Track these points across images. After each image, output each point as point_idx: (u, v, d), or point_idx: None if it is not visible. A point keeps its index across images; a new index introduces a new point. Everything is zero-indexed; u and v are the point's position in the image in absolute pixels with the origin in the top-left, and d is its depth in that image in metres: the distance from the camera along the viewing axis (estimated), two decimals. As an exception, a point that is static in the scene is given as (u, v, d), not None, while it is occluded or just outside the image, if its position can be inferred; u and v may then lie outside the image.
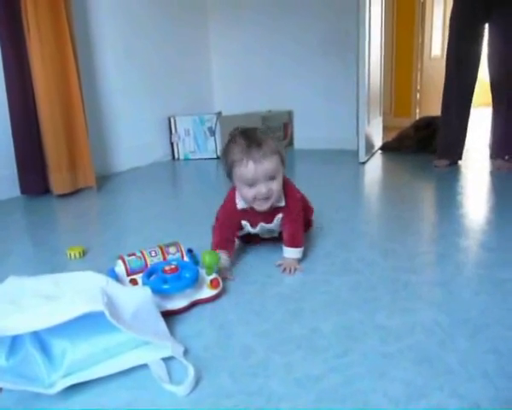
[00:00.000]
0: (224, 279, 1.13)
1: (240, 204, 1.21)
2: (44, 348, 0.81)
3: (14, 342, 0.79)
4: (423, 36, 4.66)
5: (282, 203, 1.21)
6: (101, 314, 0.78)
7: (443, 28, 4.87)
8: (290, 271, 1.19)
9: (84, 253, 1.40)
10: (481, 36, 2.35)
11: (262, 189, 1.12)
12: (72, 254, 1.37)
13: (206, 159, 3.17)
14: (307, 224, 1.42)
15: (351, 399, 0.72)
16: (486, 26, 2.33)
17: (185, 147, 3.20)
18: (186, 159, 3.20)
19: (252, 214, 1.22)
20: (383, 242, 1.44)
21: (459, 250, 1.33)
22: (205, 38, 3.52)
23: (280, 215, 1.23)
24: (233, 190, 1.24)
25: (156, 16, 3.06)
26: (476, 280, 1.14)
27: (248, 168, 1.09)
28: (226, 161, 1.15)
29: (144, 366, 0.82)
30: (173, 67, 3.22)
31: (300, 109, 3.35)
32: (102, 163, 2.68)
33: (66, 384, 0.76)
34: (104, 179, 2.58)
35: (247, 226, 1.26)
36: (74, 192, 2.30)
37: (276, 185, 1.14)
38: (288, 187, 1.23)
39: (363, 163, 2.72)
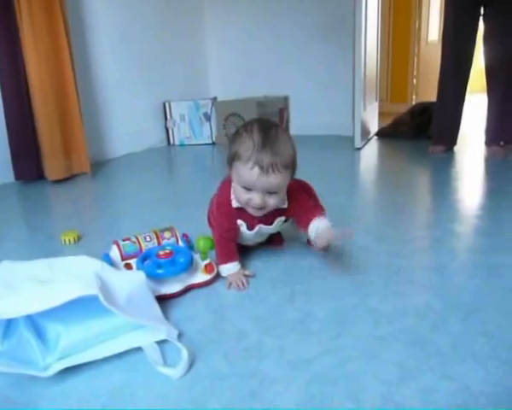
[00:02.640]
0: (248, 277, 1.08)
1: (234, 202, 1.06)
2: (39, 332, 0.81)
3: (9, 326, 0.80)
4: (420, 21, 4.63)
5: (284, 205, 1.07)
6: (95, 298, 0.79)
7: (440, 13, 4.82)
8: (330, 238, 1.03)
9: (78, 238, 1.40)
10: (477, 20, 2.33)
11: (256, 199, 0.98)
12: (67, 240, 1.37)
13: (201, 144, 3.16)
14: None
15: (343, 381, 0.72)
16: (482, 10, 2.31)
17: (180, 133, 3.18)
18: (181, 145, 3.19)
19: (249, 214, 1.06)
20: (378, 227, 1.45)
21: (453, 235, 1.33)
22: (200, 23, 3.48)
23: (282, 218, 1.10)
24: (227, 183, 1.08)
25: (151, 1, 3.01)
26: (470, 265, 1.14)
27: (251, 174, 0.94)
28: (232, 149, 0.99)
29: (138, 350, 0.82)
30: (169, 52, 3.19)
31: (297, 95, 3.34)
32: (97, 149, 2.67)
33: (61, 367, 0.77)
34: (99, 165, 2.57)
35: (243, 227, 1.09)
36: (69, 178, 2.29)
37: (274, 200, 1.00)
38: (295, 187, 1.09)
39: (359, 149, 2.71)
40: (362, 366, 0.76)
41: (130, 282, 0.88)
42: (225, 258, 1.09)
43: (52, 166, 2.22)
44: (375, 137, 3.11)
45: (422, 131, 2.86)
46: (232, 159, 0.99)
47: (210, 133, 3.16)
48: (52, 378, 0.76)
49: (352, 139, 2.77)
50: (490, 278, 1.05)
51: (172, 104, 3.14)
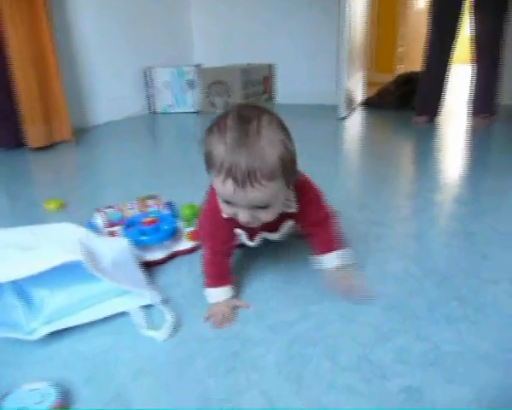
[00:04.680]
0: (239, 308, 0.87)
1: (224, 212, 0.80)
2: (24, 297, 0.82)
3: (-7, 291, 0.80)
4: (408, -13, 4.57)
5: (293, 209, 0.85)
6: (79, 264, 0.79)
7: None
8: (349, 287, 0.87)
9: (61, 206, 1.39)
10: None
11: (242, 216, 0.74)
12: (50, 207, 1.36)
13: (184, 113, 3.12)
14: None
15: (321, 343, 0.76)
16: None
17: (163, 100, 3.13)
18: (164, 113, 3.14)
19: None
20: (359, 196, 1.48)
21: (433, 205, 1.37)
22: (183, -15, 3.37)
23: (289, 222, 0.89)
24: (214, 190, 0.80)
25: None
26: (447, 233, 1.18)
27: (225, 188, 0.70)
28: (205, 149, 0.73)
29: (124, 314, 0.84)
30: (151, 18, 3.10)
31: (281, 63, 3.30)
32: (79, 116, 2.62)
33: (46, 331, 0.78)
34: (81, 133, 2.52)
35: (242, 237, 0.89)
36: (50, 146, 2.25)
37: (266, 215, 0.76)
38: (302, 185, 0.86)
39: (343, 118, 2.72)
40: (340, 329, 0.79)
41: (114, 248, 0.89)
42: (216, 280, 0.88)
43: (32, 133, 2.18)
44: (360, 107, 3.11)
45: (407, 101, 2.87)
46: (206, 165, 0.74)
47: (193, 101, 3.12)
48: (37, 342, 0.78)
49: (337, 108, 2.76)
50: (465, 245, 1.09)
51: (155, 71, 3.07)
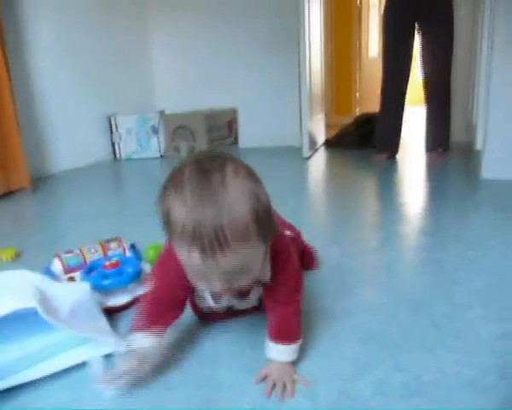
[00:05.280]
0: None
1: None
2: (-30, 353, 0.74)
3: None
4: (360, 38, 4.84)
5: (267, 277, 0.72)
6: (34, 314, 0.73)
7: (379, 31, 5.08)
8: (283, 390, 0.69)
9: (16, 255, 1.31)
10: (413, 34, 2.47)
11: (217, 286, 0.62)
12: (4, 257, 1.28)
13: (149, 158, 3.09)
14: (305, 259, 1.07)
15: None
16: (417, 25, 2.45)
17: (127, 146, 3.10)
18: (128, 159, 3.10)
19: None
20: (326, 230, 1.47)
21: (399, 236, 1.38)
22: (145, 35, 3.43)
23: (260, 290, 0.77)
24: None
25: (93, 11, 2.93)
26: (416, 262, 1.19)
27: (191, 259, 0.59)
28: (161, 211, 0.61)
29: (84, 365, 0.77)
30: (113, 64, 3.11)
31: (245, 107, 3.36)
32: (38, 164, 2.53)
33: (-3, 389, 0.70)
34: (41, 181, 2.44)
35: (205, 298, 0.79)
36: (7, 194, 2.15)
37: (245, 280, 0.65)
38: (280, 250, 0.72)
39: (307, 159, 2.76)
40: (317, 364, 0.75)
41: (74, 293, 0.83)
42: (146, 322, 0.73)
43: (-13, 183, 2.08)
44: (323, 148, 3.18)
45: (367, 140, 2.96)
46: (164, 230, 0.62)
47: (158, 146, 3.11)
48: (-14, 403, 0.70)
49: (300, 150, 2.82)
50: (435, 273, 1.09)
51: (118, 117, 3.05)
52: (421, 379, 0.70)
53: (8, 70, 2.16)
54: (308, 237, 1.34)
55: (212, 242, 0.55)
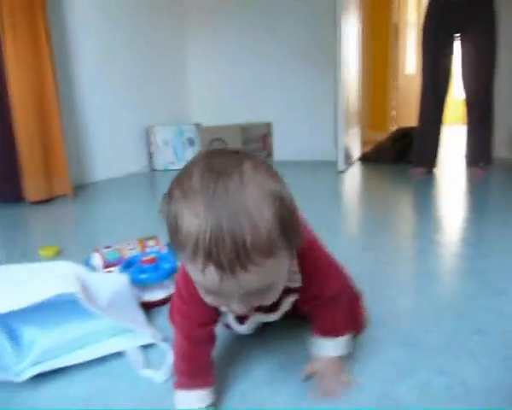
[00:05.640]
0: None
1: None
2: (14, 336, 0.76)
3: (-20, 329, 0.75)
4: (397, 54, 4.81)
5: (297, 283, 0.63)
6: (75, 302, 0.75)
7: (416, 48, 5.03)
8: (332, 388, 0.66)
9: (58, 252, 1.35)
10: (452, 48, 2.43)
11: (237, 307, 0.54)
12: (46, 254, 1.32)
13: (185, 169, 3.14)
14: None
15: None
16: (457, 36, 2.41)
17: (164, 158, 3.17)
18: (165, 170, 3.17)
19: None
20: (363, 238, 1.44)
21: (439, 245, 1.33)
22: (183, 49, 3.53)
23: (290, 298, 0.67)
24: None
25: (134, 23, 3.05)
26: (457, 271, 1.14)
27: (207, 278, 0.49)
28: (168, 222, 0.52)
29: (120, 354, 0.78)
30: (151, 76, 3.21)
31: (279, 121, 3.38)
32: (79, 172, 2.63)
33: (35, 372, 0.72)
34: (80, 188, 2.52)
35: (228, 318, 0.69)
36: (49, 200, 2.23)
37: (269, 298, 0.56)
38: (306, 246, 0.60)
39: (342, 172, 2.74)
40: (358, 366, 0.73)
41: (113, 285, 0.84)
42: (188, 378, 0.65)
43: (32, 187, 2.17)
44: (358, 162, 3.15)
45: (404, 155, 2.91)
46: (172, 244, 0.53)
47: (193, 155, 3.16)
48: (25, 385, 0.71)
49: (335, 164, 2.80)
50: (477, 282, 1.04)
51: (155, 129, 3.13)
52: (466, 384, 0.67)
53: (55, 81, 2.27)
54: (344, 246, 1.33)
55: (233, 260, 0.45)
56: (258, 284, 0.50)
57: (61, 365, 0.74)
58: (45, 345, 0.75)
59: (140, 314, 0.86)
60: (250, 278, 0.48)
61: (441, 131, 2.57)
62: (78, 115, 2.66)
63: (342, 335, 0.70)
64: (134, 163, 3.09)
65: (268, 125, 3.38)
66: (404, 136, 3.01)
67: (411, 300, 0.97)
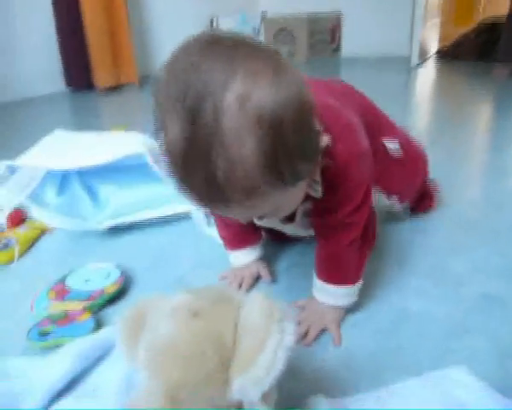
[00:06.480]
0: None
1: None
2: (92, 193, 0.84)
3: (63, 183, 0.83)
4: None
5: (318, 193, 0.51)
6: (145, 166, 0.79)
7: None
8: (309, 335, 0.55)
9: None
10: None
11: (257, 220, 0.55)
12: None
13: (248, 63, 3.07)
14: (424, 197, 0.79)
15: (390, 252, 0.71)
16: None
17: (228, 50, 3.10)
18: (228, 63, 3.11)
19: None
20: (433, 135, 1.37)
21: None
22: None
23: (306, 205, 0.55)
24: None
25: None
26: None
27: (191, 201, 0.41)
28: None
29: (187, 216, 0.84)
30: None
31: (350, 11, 3.12)
32: (145, 62, 2.66)
33: (112, 224, 0.80)
34: (146, 78, 2.56)
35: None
36: (117, 87, 2.31)
37: (284, 212, 0.50)
38: (336, 153, 0.48)
39: (416, 68, 2.54)
40: (409, 239, 0.74)
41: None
42: (232, 242, 0.68)
43: (101, 75, 2.25)
44: (435, 58, 2.89)
45: (488, 51, 2.61)
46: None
47: (258, 50, 3.06)
48: (103, 234, 0.80)
49: (408, 59, 2.59)
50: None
51: (219, 19, 3.03)
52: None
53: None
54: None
55: (203, 192, 0.38)
56: (260, 212, 0.44)
57: (134, 219, 0.81)
58: (119, 202, 0.83)
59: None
60: (237, 212, 0.42)
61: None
62: (144, 6, 2.63)
63: (347, 284, 0.56)
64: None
65: (337, 17, 3.14)
66: (490, 28, 2.69)
67: (476, 189, 0.93)
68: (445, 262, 0.67)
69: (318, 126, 0.43)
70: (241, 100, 0.35)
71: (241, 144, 0.35)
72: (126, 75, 2.38)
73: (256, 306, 0.34)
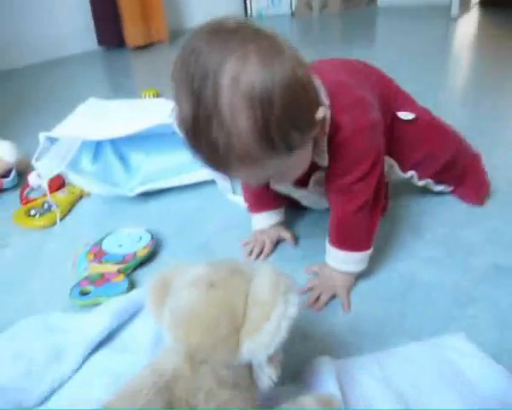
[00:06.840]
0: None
1: None
2: (123, 159, 0.90)
3: (97, 151, 0.88)
4: None
5: (324, 162, 0.56)
6: (174, 135, 0.83)
7: None
8: (320, 300, 0.58)
9: (157, 94, 1.45)
10: None
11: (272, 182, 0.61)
12: (148, 95, 1.43)
13: (280, 15, 2.99)
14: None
15: (404, 219, 0.73)
16: None
17: (259, 1, 3.01)
18: (259, 15, 3.04)
19: None
20: (464, 94, 1.33)
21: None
22: None
23: (321, 174, 0.60)
24: None
25: None
26: None
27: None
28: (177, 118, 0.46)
29: (213, 183, 0.88)
30: None
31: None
32: (176, 19, 2.64)
33: (143, 189, 0.85)
34: (177, 34, 2.55)
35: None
36: (148, 45, 2.33)
37: (287, 177, 0.55)
38: (341, 122, 0.53)
39: (456, 19, 2.41)
40: (423, 208, 0.76)
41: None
42: (257, 205, 0.72)
43: (132, 33, 2.26)
44: (476, 7, 2.72)
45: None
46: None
47: (290, 1, 2.96)
48: (134, 199, 0.85)
49: (448, 9, 2.45)
50: None
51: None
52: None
53: None
54: (449, 105, 1.23)
55: (209, 159, 0.46)
56: (255, 179, 0.52)
57: (163, 186, 0.87)
58: (149, 169, 0.88)
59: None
60: (242, 176, 0.51)
61: None
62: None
63: (357, 249, 0.59)
64: (228, 7, 3.00)
65: (374, -38, 2.98)
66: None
67: (502, 158, 0.92)
68: (458, 232, 0.69)
69: (316, 100, 0.48)
70: (235, 80, 0.41)
71: (235, 119, 0.41)
72: (157, 32, 2.39)
73: (264, 279, 0.39)
